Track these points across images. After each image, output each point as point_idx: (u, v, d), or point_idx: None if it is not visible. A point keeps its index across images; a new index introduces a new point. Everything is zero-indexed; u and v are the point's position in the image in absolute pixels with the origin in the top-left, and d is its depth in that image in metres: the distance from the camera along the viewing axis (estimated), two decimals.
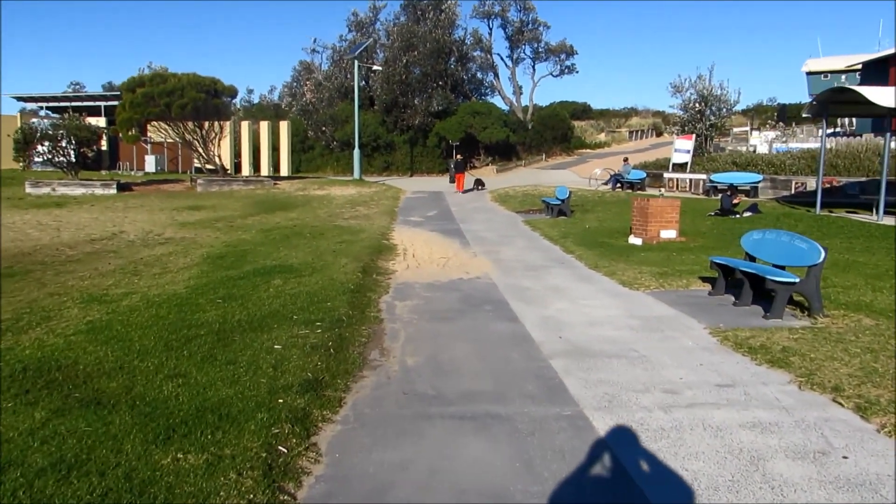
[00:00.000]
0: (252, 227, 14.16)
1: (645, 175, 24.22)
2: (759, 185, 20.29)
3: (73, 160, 23.88)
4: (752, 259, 7.28)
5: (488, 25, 44.25)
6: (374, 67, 36.72)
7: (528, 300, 7.24)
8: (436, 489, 3.14)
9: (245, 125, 31.89)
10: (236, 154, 30.82)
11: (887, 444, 3.56)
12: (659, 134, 57.96)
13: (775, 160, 24.30)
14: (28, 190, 22.12)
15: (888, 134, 14.84)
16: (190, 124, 26.39)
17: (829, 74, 37.49)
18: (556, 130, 44.13)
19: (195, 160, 30.19)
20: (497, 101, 44.94)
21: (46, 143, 23.52)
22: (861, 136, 30.16)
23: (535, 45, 44.89)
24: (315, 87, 42.10)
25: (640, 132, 59.42)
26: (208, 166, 28.75)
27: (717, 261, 7.44)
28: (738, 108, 36.53)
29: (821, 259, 6.22)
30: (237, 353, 4.91)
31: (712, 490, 3.09)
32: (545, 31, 44.52)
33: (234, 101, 32.93)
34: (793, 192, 20.18)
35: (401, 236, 12.81)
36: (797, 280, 6.20)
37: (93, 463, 3.14)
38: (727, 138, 40.55)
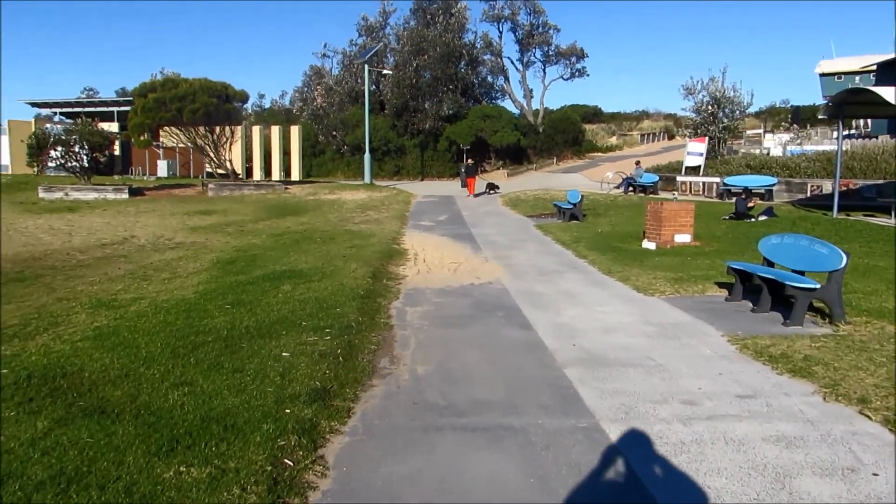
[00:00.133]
0: (262, 232, 14.13)
1: (658, 178, 23.99)
2: (774, 188, 20.03)
3: (86, 165, 24.03)
4: (771, 264, 7.10)
5: (498, 29, 44.25)
6: (385, 72, 36.74)
7: (540, 306, 7.10)
8: None
9: (256, 130, 31.98)
10: (247, 159, 30.89)
11: None
12: (671, 137, 57.66)
13: (790, 163, 24.04)
14: (41, 195, 22.28)
15: None
16: (201, 129, 26.51)
17: (842, 76, 37.13)
18: (567, 134, 43.94)
19: (207, 165, 30.33)
20: (507, 104, 44.93)
21: (59, 149, 23.67)
22: (877, 137, 29.80)
23: (546, 49, 44.72)
24: (326, 92, 42.23)
25: (651, 135, 59.12)
26: (220, 171, 28.87)
27: (735, 266, 7.26)
28: (751, 110, 36.21)
29: (843, 264, 6.04)
30: (244, 361, 4.82)
31: None
32: (555, 34, 44.38)
33: (245, 105, 33.06)
34: (808, 195, 19.90)
35: (411, 241, 12.72)
36: (818, 286, 6.02)
37: (93, 476, 3.05)
38: (740, 141, 40.23)
